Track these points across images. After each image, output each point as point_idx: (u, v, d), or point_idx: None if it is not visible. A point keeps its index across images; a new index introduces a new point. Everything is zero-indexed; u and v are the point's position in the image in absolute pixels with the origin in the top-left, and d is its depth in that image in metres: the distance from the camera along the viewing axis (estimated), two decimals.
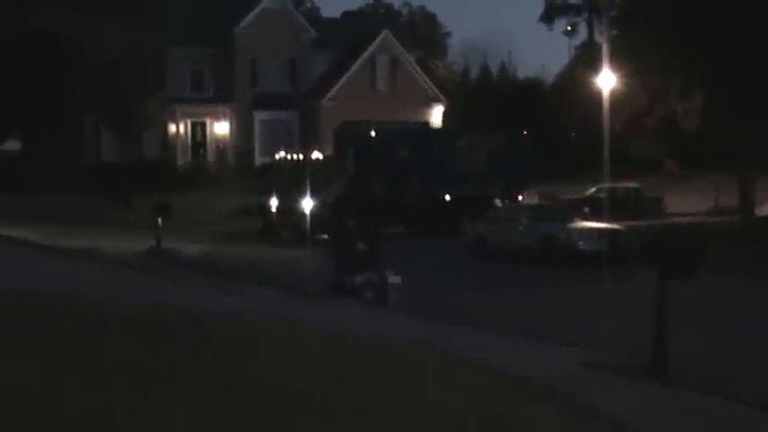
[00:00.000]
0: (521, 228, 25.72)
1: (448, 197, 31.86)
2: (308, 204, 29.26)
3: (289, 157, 33.58)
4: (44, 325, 10.99)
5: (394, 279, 17.57)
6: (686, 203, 38.62)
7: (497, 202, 32.64)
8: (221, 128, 50.16)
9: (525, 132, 34.87)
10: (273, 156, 37.16)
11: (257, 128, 49.61)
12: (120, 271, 21.93)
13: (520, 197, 33.56)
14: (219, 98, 49.67)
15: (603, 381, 10.49)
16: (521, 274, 22.43)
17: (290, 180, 31.32)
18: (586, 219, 27.56)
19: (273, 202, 31.42)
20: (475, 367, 10.68)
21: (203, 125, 50.25)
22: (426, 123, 34.50)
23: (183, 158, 49.00)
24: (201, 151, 50.09)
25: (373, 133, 31.64)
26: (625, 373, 10.74)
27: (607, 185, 36.20)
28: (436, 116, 50.46)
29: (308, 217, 28.74)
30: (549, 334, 13.69)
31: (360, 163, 30.97)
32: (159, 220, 27.12)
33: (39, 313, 11.73)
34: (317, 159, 31.89)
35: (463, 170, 32.19)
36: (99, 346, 9.94)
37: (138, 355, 9.50)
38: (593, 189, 37.63)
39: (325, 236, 28.11)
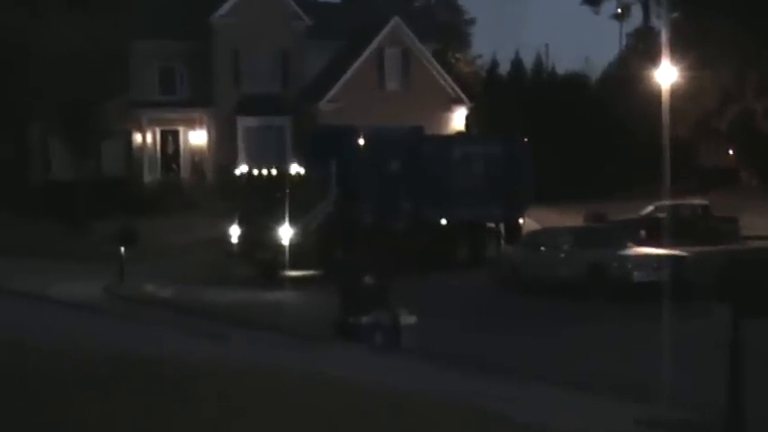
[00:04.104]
0: (563, 255, 25.81)
1: (444, 221, 31.60)
2: (283, 232, 28.86)
3: (255, 172, 32.10)
4: None
5: (408, 319, 17.69)
6: (767, 223, 38.62)
7: (492, 226, 32.56)
8: (197, 137, 50.43)
9: (525, 140, 34.53)
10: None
11: (241, 137, 49.83)
12: (78, 314, 22.08)
13: (521, 220, 33.28)
14: (195, 102, 49.95)
15: None
16: (562, 312, 22.46)
17: (256, 202, 30.70)
18: (643, 244, 27.65)
19: (234, 230, 30.64)
20: (503, 424, 10.75)
21: (175, 134, 50.52)
22: (420, 128, 33.77)
23: (151, 175, 49.23)
24: (174, 166, 50.34)
25: (361, 141, 31.02)
26: None
27: (668, 203, 36.25)
28: (458, 120, 50.68)
29: (283, 248, 28.42)
30: (598, 384, 13.74)
31: (344, 180, 30.15)
32: (123, 250, 27.35)
33: None
34: (297, 175, 30.81)
35: (459, 187, 32.00)
36: (58, 402, 10.06)
37: (107, 414, 9.62)
38: (650, 207, 37.70)
39: (298, 273, 28.01)
